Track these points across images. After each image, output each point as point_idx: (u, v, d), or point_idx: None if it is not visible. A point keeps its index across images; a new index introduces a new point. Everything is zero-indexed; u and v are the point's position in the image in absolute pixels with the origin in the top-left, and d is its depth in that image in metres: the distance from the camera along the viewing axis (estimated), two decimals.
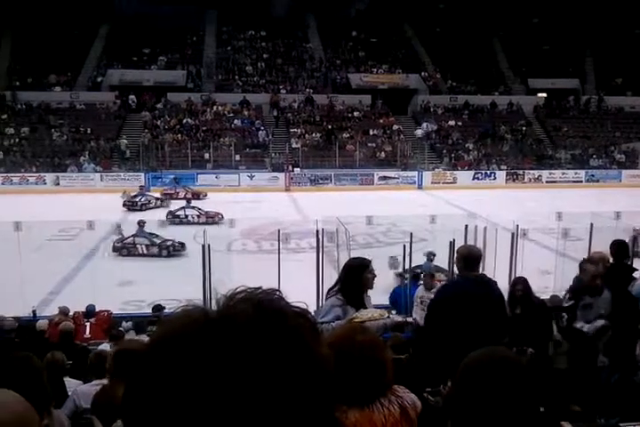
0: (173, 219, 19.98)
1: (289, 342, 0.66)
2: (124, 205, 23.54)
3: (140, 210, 22.94)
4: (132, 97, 35.95)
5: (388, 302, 10.03)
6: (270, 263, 11.39)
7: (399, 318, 5.10)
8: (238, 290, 0.72)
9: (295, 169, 31.27)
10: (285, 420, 0.64)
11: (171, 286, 11.27)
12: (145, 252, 15.76)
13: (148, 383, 0.65)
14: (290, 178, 30.61)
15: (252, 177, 30.50)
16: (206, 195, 26.54)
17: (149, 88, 36.65)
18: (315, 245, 11.32)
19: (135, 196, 24.51)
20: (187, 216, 20.46)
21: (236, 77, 38.76)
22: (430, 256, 11.67)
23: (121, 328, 8.67)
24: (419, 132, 35.53)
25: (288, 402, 0.64)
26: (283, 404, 0.64)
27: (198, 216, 20.43)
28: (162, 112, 35.09)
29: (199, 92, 37.02)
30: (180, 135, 33.22)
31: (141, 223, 16.50)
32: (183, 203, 22.31)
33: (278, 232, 11.73)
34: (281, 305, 0.71)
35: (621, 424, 4.72)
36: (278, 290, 0.74)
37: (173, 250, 15.88)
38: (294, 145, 33.21)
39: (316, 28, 42.64)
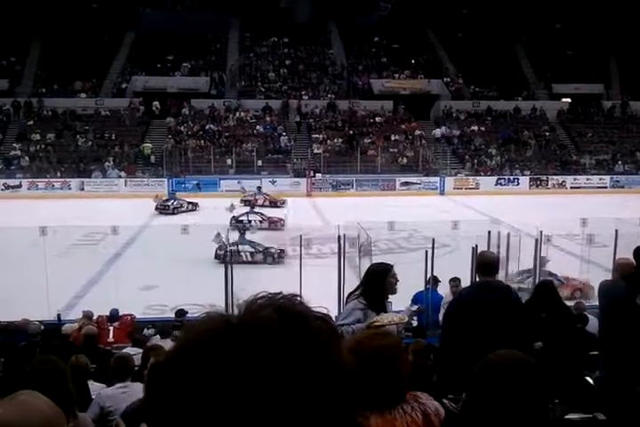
0: (237, 224, 19.51)
1: (311, 347, 0.67)
2: (156, 208, 23.85)
3: (172, 214, 23.42)
4: (156, 103, 36.35)
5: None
6: (292, 269, 11.42)
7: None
8: (260, 295, 0.73)
9: (317, 174, 31.31)
10: (308, 425, 0.65)
11: (193, 292, 11.34)
12: (249, 259, 15.40)
13: (171, 389, 0.66)
14: (311, 183, 30.66)
15: (274, 182, 30.60)
16: (284, 202, 26.42)
17: (173, 95, 37.02)
18: (336, 250, 11.33)
19: (167, 200, 24.95)
20: (250, 222, 20.18)
21: (259, 84, 38.98)
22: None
23: (144, 333, 8.75)
24: (437, 131, 35.59)
25: (311, 407, 0.64)
26: (305, 408, 0.64)
27: (261, 222, 20.36)
28: (185, 118, 35.42)
29: (222, 98, 37.29)
30: (202, 141, 33.50)
31: (242, 231, 16.61)
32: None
33: (300, 238, 11.75)
34: (302, 310, 0.71)
35: None
36: (299, 295, 0.75)
37: (278, 257, 15.83)
38: (316, 151, 33.26)
39: (337, 33, 42.74)
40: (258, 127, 34.92)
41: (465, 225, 15.53)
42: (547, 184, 32.41)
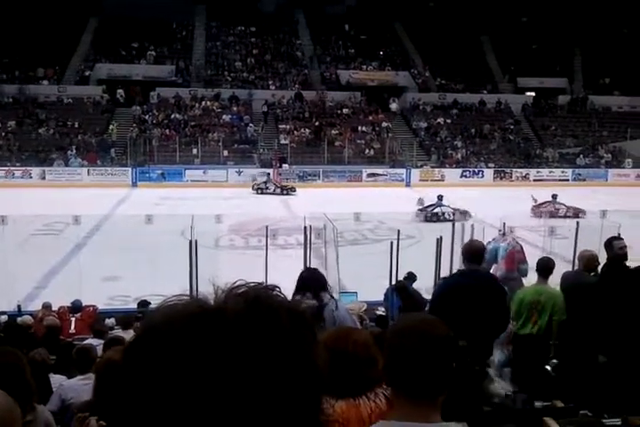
0: (429, 216, 20.46)
1: (278, 340, 0.66)
2: (253, 188, 27.26)
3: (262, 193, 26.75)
4: (121, 91, 35.75)
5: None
6: (258, 259, 11.38)
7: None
8: (237, 284, 0.72)
9: (283, 165, 31.22)
10: (267, 415, 0.64)
11: (157, 282, 11.22)
12: (451, 218, 18.94)
13: (132, 372, 0.66)
14: (278, 174, 30.56)
15: (240, 173, 30.41)
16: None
17: (138, 82, 36.44)
18: (302, 241, 11.33)
19: (265, 182, 27.72)
20: (444, 213, 20.43)
21: (225, 73, 38.62)
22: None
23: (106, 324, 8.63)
24: (393, 105, 36.42)
25: (274, 397, 0.64)
26: (266, 398, 0.64)
27: (453, 213, 20.31)
28: (150, 107, 34.92)
29: (188, 87, 36.86)
30: (168, 130, 33.09)
31: (440, 197, 20.68)
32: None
33: (266, 228, 11.71)
34: (277, 302, 0.71)
35: (604, 420, 4.78)
36: (278, 287, 0.74)
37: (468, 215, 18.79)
38: (283, 141, 33.17)
39: (305, 24, 42.56)
40: (224, 117, 34.62)
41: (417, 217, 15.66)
42: (510, 176, 32.87)
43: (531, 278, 7.71)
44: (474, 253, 5.17)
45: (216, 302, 0.69)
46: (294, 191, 27.13)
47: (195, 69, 38.65)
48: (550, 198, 21.70)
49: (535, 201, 21.42)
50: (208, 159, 31.47)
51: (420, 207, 21.40)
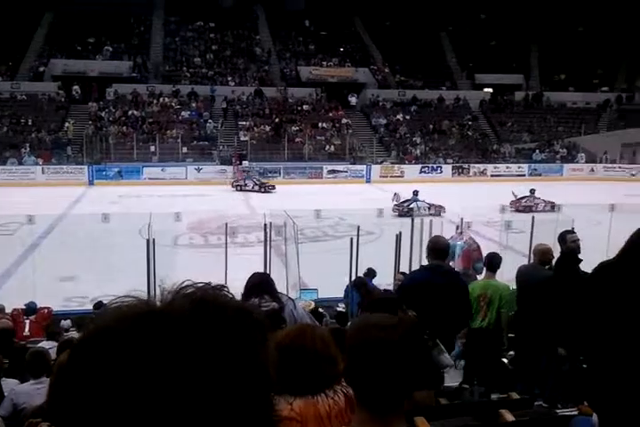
0: (404, 211, 20.48)
1: (225, 340, 0.65)
2: (232, 185, 27.40)
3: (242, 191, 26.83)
4: (76, 88, 35.01)
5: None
6: (218, 257, 11.29)
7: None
8: (184, 284, 0.71)
9: (243, 162, 31.04)
10: (215, 416, 0.63)
11: (114, 282, 11.05)
12: (427, 213, 19.48)
13: (76, 375, 0.64)
14: (238, 171, 30.39)
15: (199, 170, 30.12)
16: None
17: (94, 79, 35.73)
18: (263, 238, 11.29)
19: (244, 180, 27.69)
20: (420, 208, 20.81)
21: (184, 69, 38.18)
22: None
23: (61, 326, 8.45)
24: (352, 99, 36.78)
25: (219, 397, 0.63)
26: (213, 398, 0.63)
27: (429, 208, 20.94)
28: (107, 103, 34.30)
29: (145, 83, 36.33)
30: (125, 127, 32.56)
31: (416, 192, 21.35)
32: None
33: (226, 226, 11.63)
34: (224, 302, 0.70)
35: (558, 411, 4.89)
36: (226, 286, 0.73)
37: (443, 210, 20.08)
38: (243, 138, 32.97)
39: (265, 19, 42.35)
40: (183, 113, 34.23)
41: (390, 212, 15.78)
42: (468, 172, 33.32)
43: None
44: (438, 249, 5.24)
45: (162, 303, 0.68)
46: (274, 189, 26.94)
47: (153, 65, 38.12)
48: (529, 193, 22.41)
49: (515, 196, 22.04)
50: (166, 157, 31.07)
51: (397, 202, 21.73)
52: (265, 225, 11.11)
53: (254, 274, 4.15)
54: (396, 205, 21.56)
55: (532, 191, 22.42)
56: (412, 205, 21.21)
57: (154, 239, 9.84)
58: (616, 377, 1.54)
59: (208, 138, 32.97)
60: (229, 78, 37.79)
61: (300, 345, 2.19)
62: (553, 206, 20.59)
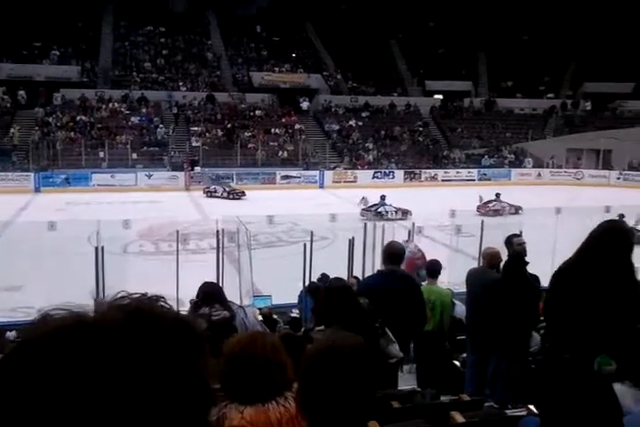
0: (374, 215, 20.95)
1: (160, 351, 0.64)
2: (204, 192, 27.40)
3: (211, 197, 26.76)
4: (22, 93, 34.07)
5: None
6: (169, 265, 11.12)
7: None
8: (119, 296, 0.70)
9: (195, 168, 30.74)
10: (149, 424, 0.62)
11: (62, 291, 10.77)
12: (394, 217, 20.38)
13: (4, 389, 0.62)
14: (190, 177, 30.07)
15: (150, 176, 29.67)
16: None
17: (41, 83, 34.86)
18: (215, 245, 11.18)
19: (215, 186, 27.70)
20: (387, 212, 21.44)
21: (134, 74, 37.63)
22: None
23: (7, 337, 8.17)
24: (304, 104, 37.48)
25: (152, 409, 0.62)
26: (146, 411, 0.62)
27: (396, 212, 21.45)
28: (54, 109, 33.50)
29: (94, 88, 35.64)
30: (73, 133, 31.85)
31: (383, 197, 21.80)
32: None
33: (177, 233, 11.46)
34: (160, 313, 0.69)
35: (507, 411, 4.96)
36: (163, 297, 0.73)
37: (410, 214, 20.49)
38: (194, 143, 32.66)
39: (216, 25, 42.13)
40: (133, 119, 33.70)
41: (343, 218, 15.87)
42: (420, 177, 33.76)
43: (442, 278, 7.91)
44: (393, 254, 5.27)
45: (95, 315, 0.67)
46: (244, 195, 26.75)
47: (102, 70, 37.45)
48: (494, 197, 23.10)
49: (481, 200, 22.62)
50: (116, 163, 30.50)
51: (364, 207, 22.17)
52: (217, 231, 11.00)
53: (205, 283, 4.11)
54: (364, 209, 21.99)
55: (498, 195, 23.05)
56: (379, 209, 21.69)
57: (102, 247, 9.63)
58: (572, 376, 1.58)
59: (159, 144, 32.53)
60: (181, 83, 37.41)
61: (250, 353, 2.17)
62: (517, 210, 21.57)
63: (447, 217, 13.39)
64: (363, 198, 22.57)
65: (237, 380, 2.10)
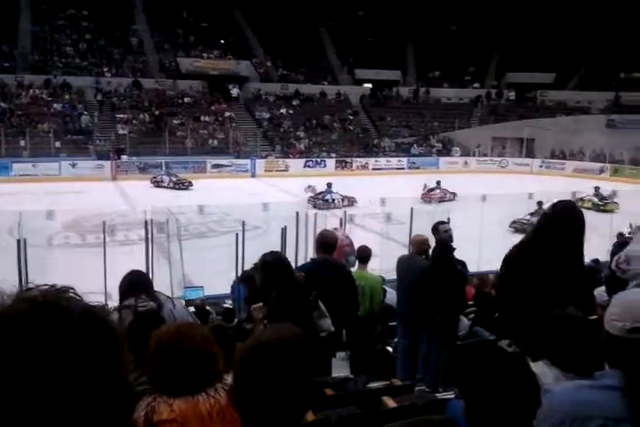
0: (322, 203, 21.36)
1: (67, 342, 0.64)
2: (151, 181, 26.81)
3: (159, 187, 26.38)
4: None
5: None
6: (97, 257, 10.82)
7: None
8: (28, 287, 0.69)
9: (122, 156, 29.92)
10: (59, 419, 0.62)
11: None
12: (341, 204, 20.80)
13: None
14: (116, 166, 29.27)
15: (74, 165, 28.67)
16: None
17: None
18: (144, 236, 10.96)
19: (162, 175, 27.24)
20: (334, 200, 21.87)
21: (55, 59, 36.16)
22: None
23: None
24: (234, 91, 37.14)
25: (54, 401, 0.62)
26: (53, 402, 0.62)
27: (342, 200, 21.86)
28: None
29: (13, 73, 34.04)
30: None
31: (330, 184, 22.39)
32: None
33: (103, 224, 11.15)
34: (67, 305, 0.68)
35: (438, 394, 5.10)
36: (72, 288, 0.71)
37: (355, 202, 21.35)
38: (121, 131, 31.78)
39: (142, 9, 40.91)
40: (55, 106, 32.44)
41: (275, 207, 15.82)
42: (351, 166, 34.06)
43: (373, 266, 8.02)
44: (326, 243, 5.33)
45: (3, 306, 0.66)
46: (191, 185, 26.32)
47: (20, 54, 35.75)
48: (435, 184, 23.89)
49: (425, 188, 23.40)
50: (38, 151, 29.29)
51: (312, 195, 22.44)
52: (146, 222, 10.78)
53: (130, 273, 4.00)
54: (311, 197, 22.29)
55: (438, 183, 23.87)
56: (326, 197, 22.09)
57: (25, 239, 9.27)
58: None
59: (83, 131, 31.47)
60: (105, 69, 36.22)
61: (178, 344, 2.15)
62: (454, 197, 22.62)
63: (378, 205, 13.54)
64: (309, 186, 22.80)
65: (165, 372, 2.09)
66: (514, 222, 18.19)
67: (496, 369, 1.55)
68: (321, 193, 22.47)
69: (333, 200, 21.94)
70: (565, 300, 2.81)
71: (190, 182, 26.61)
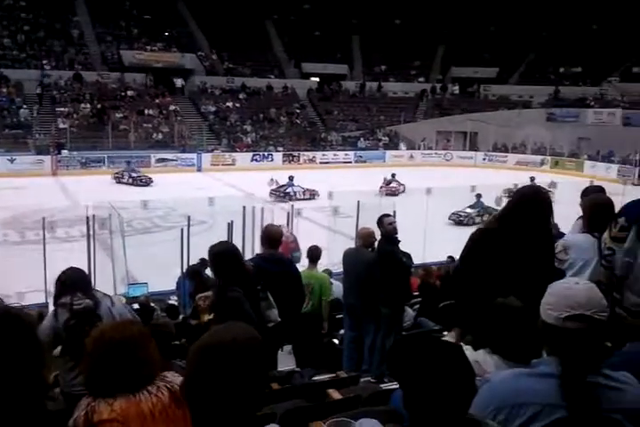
0: (282, 195, 21.68)
1: None
2: (113, 177, 26.41)
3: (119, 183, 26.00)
4: None
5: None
6: (37, 254, 10.52)
7: None
8: None
9: (62, 151, 29.08)
10: None
11: None
12: (303, 197, 21.61)
13: None
14: (57, 161, 28.44)
15: (12, 161, 27.72)
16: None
17: None
18: (86, 232, 10.69)
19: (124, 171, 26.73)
20: (295, 193, 22.13)
21: None
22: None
23: None
24: (178, 81, 36.93)
25: None
26: None
27: (303, 193, 22.25)
28: None
29: None
30: None
31: (291, 177, 22.70)
32: None
33: (43, 220, 10.83)
34: None
35: (383, 385, 5.14)
36: None
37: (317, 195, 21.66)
38: (61, 125, 30.86)
39: (83, 1, 39.72)
40: None
41: (221, 201, 15.67)
42: (299, 160, 34.02)
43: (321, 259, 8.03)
44: (271, 238, 5.29)
45: None
46: (151, 181, 25.86)
47: None
48: (390, 177, 24.59)
49: (385, 180, 24.11)
50: None
51: (274, 187, 22.60)
52: (87, 218, 10.52)
53: (66, 270, 3.89)
54: (273, 189, 22.48)
55: (393, 175, 24.65)
56: (288, 190, 22.32)
57: None
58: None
59: (22, 126, 30.45)
60: (44, 62, 35.07)
61: (116, 342, 2.10)
62: (404, 188, 23.47)
63: (325, 199, 13.57)
64: (271, 179, 22.82)
65: (103, 370, 2.03)
66: (453, 214, 18.53)
67: (429, 358, 1.56)
68: (283, 186, 22.55)
69: (295, 193, 22.07)
70: (531, 287, 2.73)
71: (150, 178, 26.14)
